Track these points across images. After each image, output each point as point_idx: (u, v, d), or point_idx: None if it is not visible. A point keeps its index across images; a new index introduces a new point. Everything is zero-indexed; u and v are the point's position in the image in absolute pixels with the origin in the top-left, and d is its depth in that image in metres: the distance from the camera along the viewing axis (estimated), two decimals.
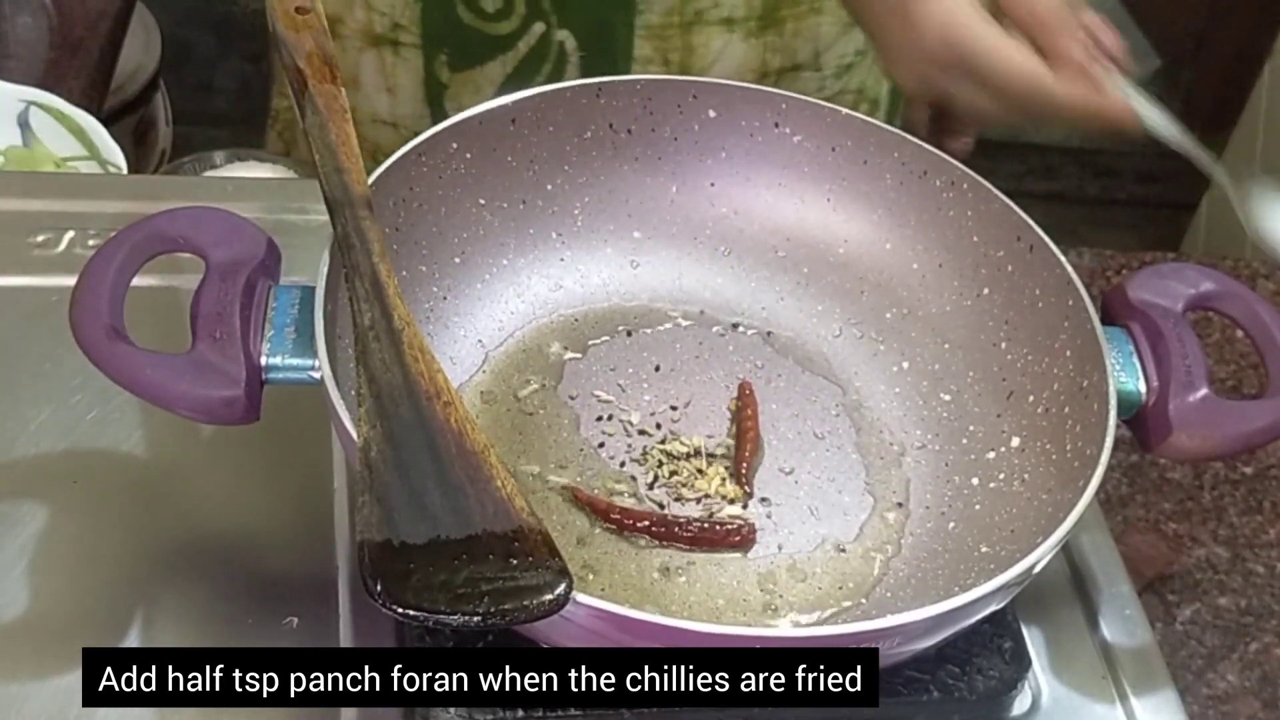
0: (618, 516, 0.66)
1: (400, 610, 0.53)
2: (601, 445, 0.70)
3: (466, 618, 0.53)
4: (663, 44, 0.96)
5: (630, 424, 0.71)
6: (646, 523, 0.66)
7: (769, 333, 0.76)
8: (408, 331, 0.60)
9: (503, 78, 0.99)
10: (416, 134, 1.01)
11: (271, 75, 1.11)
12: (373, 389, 0.59)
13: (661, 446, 0.70)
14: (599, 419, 0.71)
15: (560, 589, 0.54)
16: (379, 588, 0.53)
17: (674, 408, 0.72)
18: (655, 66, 0.96)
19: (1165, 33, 2.63)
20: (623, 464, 0.69)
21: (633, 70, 0.97)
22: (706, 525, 0.67)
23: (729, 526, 0.67)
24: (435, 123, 1.01)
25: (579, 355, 0.74)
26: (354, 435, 0.57)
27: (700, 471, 0.69)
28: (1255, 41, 1.99)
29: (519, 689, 0.61)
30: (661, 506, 0.68)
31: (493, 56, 0.98)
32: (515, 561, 0.55)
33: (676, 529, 0.66)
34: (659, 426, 0.71)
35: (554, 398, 0.72)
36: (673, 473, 0.69)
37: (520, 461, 0.69)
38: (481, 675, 0.61)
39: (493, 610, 0.53)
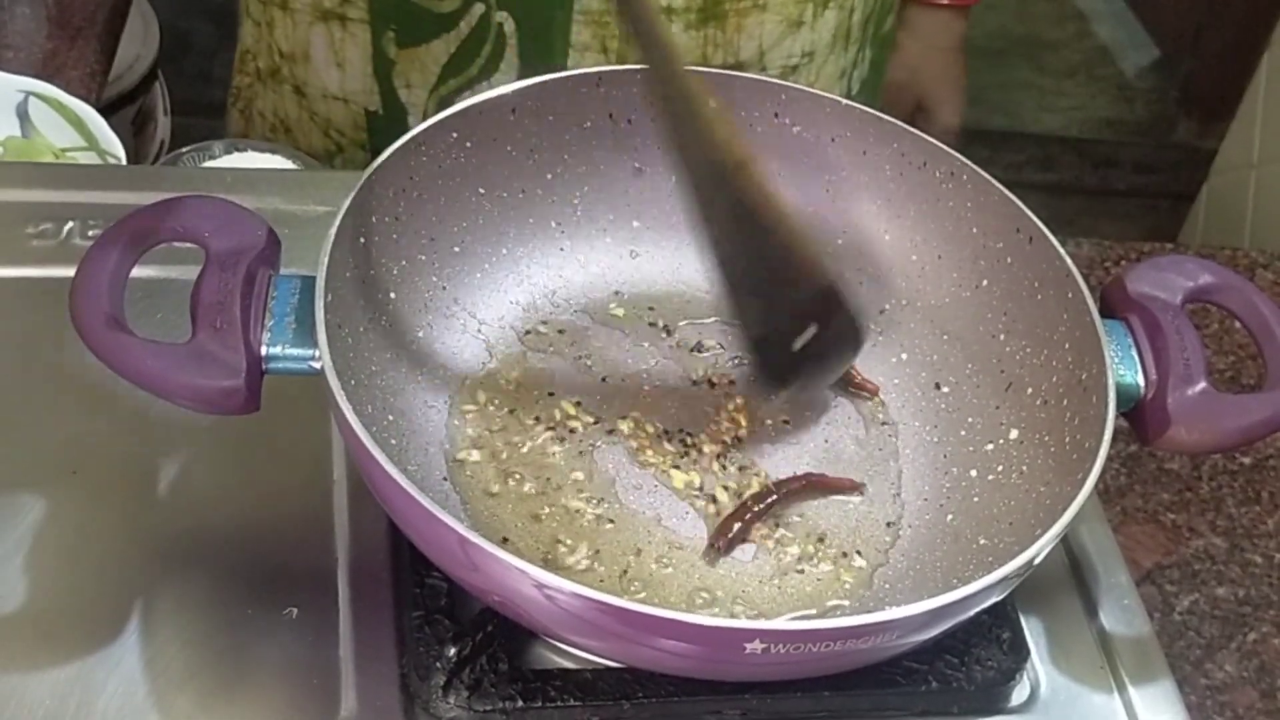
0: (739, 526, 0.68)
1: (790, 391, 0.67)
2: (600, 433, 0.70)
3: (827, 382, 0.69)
4: (601, 30, 0.96)
5: (625, 415, 0.71)
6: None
7: None
8: (701, 93, 0.61)
9: (446, 57, 0.99)
10: (366, 109, 1.03)
11: (234, 56, 1.11)
12: (697, 170, 0.61)
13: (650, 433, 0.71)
14: (598, 408, 0.71)
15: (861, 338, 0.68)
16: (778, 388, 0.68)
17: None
18: (593, 54, 0.97)
19: (1163, 24, 2.63)
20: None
21: (570, 57, 0.97)
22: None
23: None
24: (384, 99, 1.02)
25: (579, 346, 0.74)
26: (355, 426, 0.57)
27: (677, 462, 0.70)
28: (1253, 33, 1.99)
29: (519, 679, 0.61)
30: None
31: (437, 35, 0.98)
32: (832, 317, 0.65)
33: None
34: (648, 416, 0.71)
35: (552, 387, 0.72)
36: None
37: (522, 454, 0.69)
38: (481, 665, 0.61)
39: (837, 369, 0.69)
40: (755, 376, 0.70)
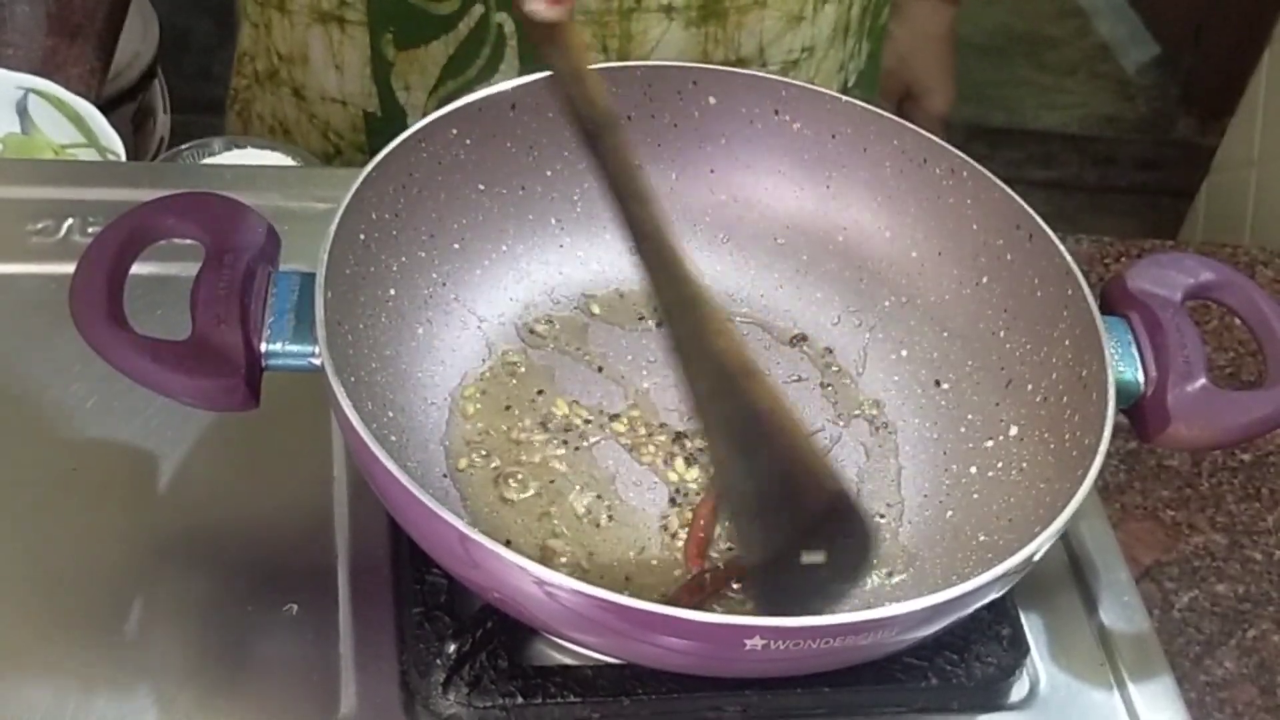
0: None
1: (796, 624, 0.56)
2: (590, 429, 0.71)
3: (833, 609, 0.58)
4: (601, 30, 0.96)
5: (623, 412, 0.71)
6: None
7: (767, 320, 0.76)
8: (702, 299, 0.57)
9: (445, 58, 0.99)
10: (365, 111, 1.02)
11: (233, 57, 1.11)
12: (703, 383, 0.57)
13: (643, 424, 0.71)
14: (597, 404, 0.71)
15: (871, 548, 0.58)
16: (780, 613, 0.56)
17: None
18: (593, 53, 0.97)
19: (1164, 20, 2.63)
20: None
21: None
22: None
23: None
24: (383, 101, 1.01)
25: (578, 342, 0.74)
26: (355, 423, 0.57)
27: (675, 459, 0.70)
28: (1254, 29, 1.98)
29: (519, 675, 0.61)
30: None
31: (436, 36, 0.98)
32: (834, 529, 0.57)
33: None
34: (647, 413, 0.72)
35: (551, 384, 0.72)
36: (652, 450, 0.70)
37: (522, 451, 0.69)
38: (481, 662, 0.61)
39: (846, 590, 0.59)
40: (759, 604, 0.62)
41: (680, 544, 0.67)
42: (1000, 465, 0.69)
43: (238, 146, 0.98)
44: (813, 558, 0.57)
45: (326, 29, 1.00)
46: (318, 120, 1.05)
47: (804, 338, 0.76)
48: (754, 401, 0.57)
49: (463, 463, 0.68)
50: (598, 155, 0.60)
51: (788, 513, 0.58)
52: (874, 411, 0.73)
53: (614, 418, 0.71)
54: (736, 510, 0.60)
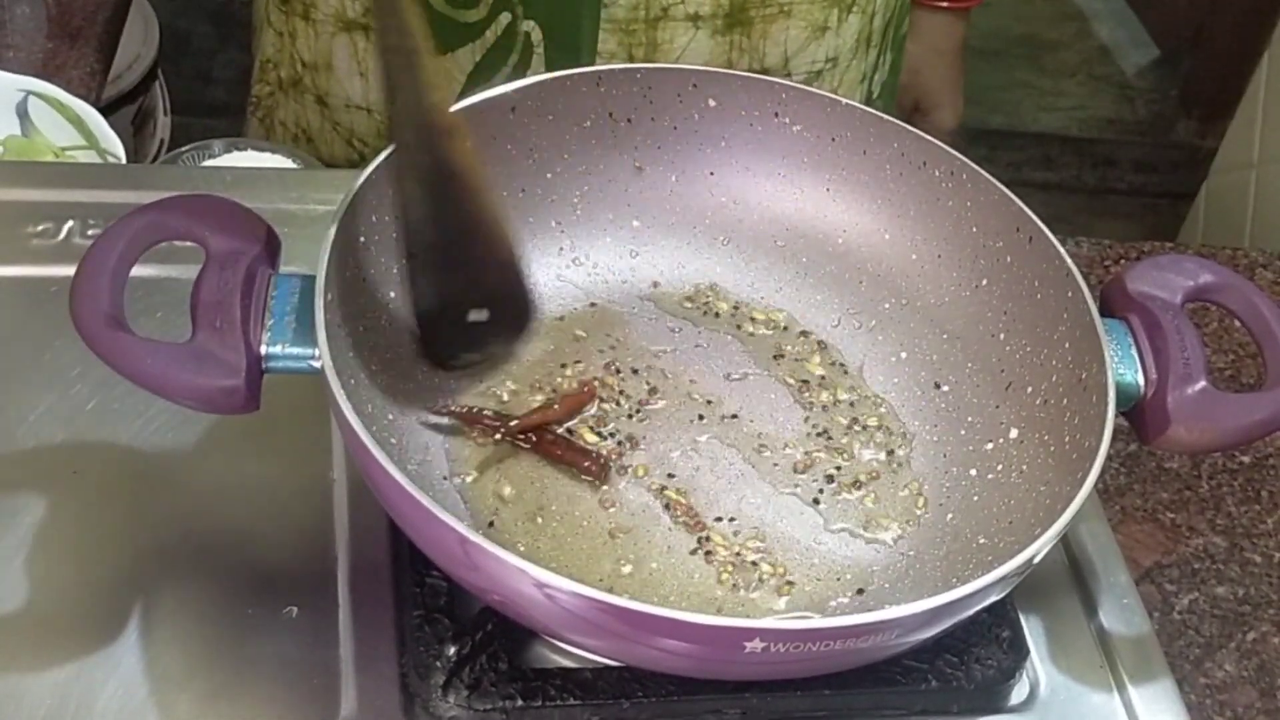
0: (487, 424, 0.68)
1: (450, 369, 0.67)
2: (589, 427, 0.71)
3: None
4: (628, 38, 0.96)
5: (623, 414, 0.71)
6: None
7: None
8: (424, 54, 0.60)
9: (471, 66, 0.99)
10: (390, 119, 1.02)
11: (253, 64, 1.11)
12: (405, 128, 0.61)
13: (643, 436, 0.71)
14: (598, 409, 0.71)
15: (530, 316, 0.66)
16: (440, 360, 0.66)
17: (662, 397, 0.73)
18: (620, 61, 0.97)
19: (1163, 23, 2.64)
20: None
21: (597, 64, 0.97)
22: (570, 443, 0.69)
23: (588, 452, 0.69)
24: None
25: (576, 345, 0.74)
26: (355, 425, 0.57)
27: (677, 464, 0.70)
28: (1253, 32, 1.99)
29: (519, 678, 0.61)
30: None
31: (462, 44, 0.98)
32: (501, 293, 0.65)
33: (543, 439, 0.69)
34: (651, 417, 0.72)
35: (551, 386, 0.72)
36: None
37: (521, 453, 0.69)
38: (481, 664, 0.61)
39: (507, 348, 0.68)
40: (421, 351, 0.68)
41: (680, 550, 0.67)
42: (1000, 468, 0.69)
43: (237, 149, 0.98)
44: (477, 315, 0.64)
45: (352, 37, 1.00)
46: (341, 128, 1.05)
47: (805, 339, 0.76)
48: (452, 159, 0.62)
49: (463, 464, 0.68)
50: None
51: (462, 269, 0.63)
52: (873, 414, 0.73)
53: (608, 420, 0.71)
54: (414, 256, 0.64)
